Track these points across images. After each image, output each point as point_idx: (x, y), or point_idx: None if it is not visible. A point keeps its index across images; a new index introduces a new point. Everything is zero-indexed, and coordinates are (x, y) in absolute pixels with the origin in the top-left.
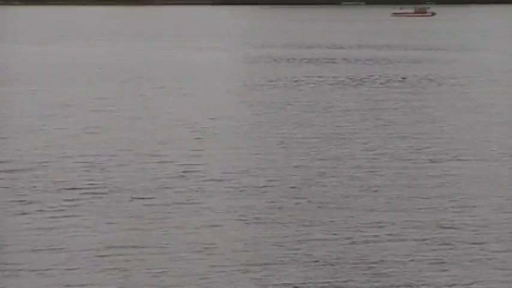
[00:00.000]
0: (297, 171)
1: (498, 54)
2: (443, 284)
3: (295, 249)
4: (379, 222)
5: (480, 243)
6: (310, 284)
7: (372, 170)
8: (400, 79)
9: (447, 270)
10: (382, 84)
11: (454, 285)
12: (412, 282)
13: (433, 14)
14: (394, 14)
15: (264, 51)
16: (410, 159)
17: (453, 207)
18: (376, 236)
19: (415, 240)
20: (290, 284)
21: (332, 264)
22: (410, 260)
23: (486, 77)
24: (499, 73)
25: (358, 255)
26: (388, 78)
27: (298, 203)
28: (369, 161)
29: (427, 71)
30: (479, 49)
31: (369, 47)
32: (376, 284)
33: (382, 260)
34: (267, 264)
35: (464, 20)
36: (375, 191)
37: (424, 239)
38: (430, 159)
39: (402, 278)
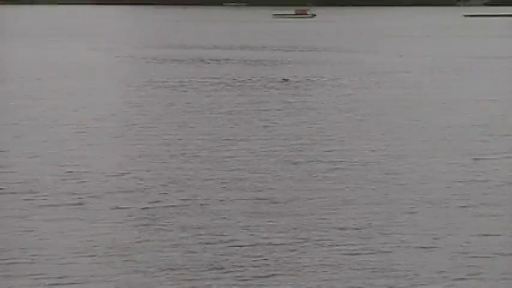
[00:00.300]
0: (180, 173)
1: (377, 55)
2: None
3: (175, 253)
4: (259, 226)
5: (344, 245)
6: None
7: (255, 171)
8: (283, 80)
9: (314, 272)
10: (264, 85)
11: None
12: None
13: (313, 15)
14: (275, 15)
15: (147, 52)
16: (293, 161)
17: (332, 209)
18: (261, 238)
19: (295, 243)
20: None
21: (210, 269)
22: (289, 263)
23: (365, 78)
24: (380, 74)
25: (239, 259)
26: (271, 80)
27: (181, 205)
28: (251, 162)
29: (309, 72)
30: (359, 50)
31: (252, 48)
32: None
33: (265, 263)
34: (148, 268)
35: (343, 21)
36: (258, 191)
37: (302, 241)
38: (312, 160)
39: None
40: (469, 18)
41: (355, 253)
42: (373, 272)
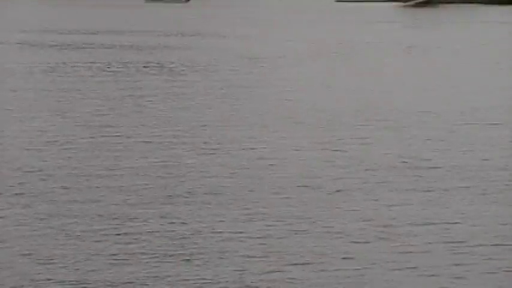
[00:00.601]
0: (54, 161)
1: (251, 40)
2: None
3: (54, 242)
4: (139, 214)
5: (221, 232)
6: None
7: (131, 158)
8: (157, 65)
9: (149, 263)
10: (139, 70)
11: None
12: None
13: (187, 0)
14: (148, 0)
15: (18, 36)
16: (170, 147)
17: (206, 196)
18: (144, 227)
19: (168, 231)
20: None
21: (87, 257)
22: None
23: (240, 63)
24: (254, 59)
25: (118, 247)
26: (145, 65)
27: (56, 193)
28: (127, 149)
29: (184, 57)
30: (234, 36)
31: (125, 33)
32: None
33: (153, 252)
34: (25, 257)
35: (218, 7)
36: (135, 175)
37: (170, 227)
38: (190, 148)
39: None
40: (341, 3)
41: (236, 239)
42: (251, 257)
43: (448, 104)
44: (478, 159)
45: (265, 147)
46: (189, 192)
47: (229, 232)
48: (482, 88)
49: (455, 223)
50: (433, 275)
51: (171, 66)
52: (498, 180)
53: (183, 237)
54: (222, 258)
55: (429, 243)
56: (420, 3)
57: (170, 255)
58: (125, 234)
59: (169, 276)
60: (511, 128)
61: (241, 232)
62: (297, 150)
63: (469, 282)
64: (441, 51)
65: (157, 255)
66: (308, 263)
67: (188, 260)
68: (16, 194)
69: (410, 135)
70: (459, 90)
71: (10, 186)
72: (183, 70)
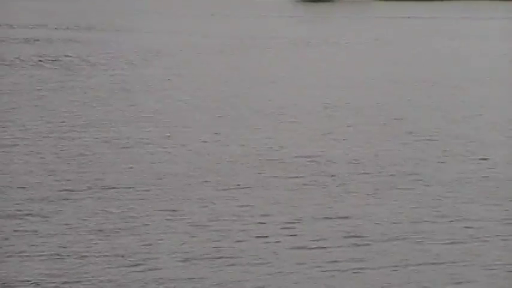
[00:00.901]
0: None
1: (152, 34)
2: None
3: None
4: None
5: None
6: None
7: (24, 153)
8: (52, 59)
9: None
10: (34, 64)
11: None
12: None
13: None
14: None
15: None
16: (69, 138)
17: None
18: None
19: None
20: None
21: None
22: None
23: (141, 57)
24: (151, 54)
25: None
26: (40, 58)
27: None
28: (24, 143)
29: (79, 50)
30: (130, 29)
31: (18, 26)
32: None
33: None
34: None
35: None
36: (20, 172)
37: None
38: (88, 143)
39: None
40: None
41: (127, 236)
42: (134, 253)
43: (343, 98)
44: (374, 153)
45: (160, 144)
46: (89, 187)
47: (124, 228)
48: (379, 83)
49: (353, 218)
50: (333, 270)
51: (67, 60)
52: (393, 175)
53: (82, 234)
54: (117, 255)
55: (327, 238)
56: None
57: (66, 255)
58: (24, 231)
59: (66, 274)
60: (408, 123)
61: (129, 228)
62: (194, 145)
63: (369, 278)
64: (335, 46)
65: (54, 252)
66: (195, 261)
67: (84, 256)
68: None
69: (307, 129)
70: (355, 85)
71: None
72: (79, 64)
